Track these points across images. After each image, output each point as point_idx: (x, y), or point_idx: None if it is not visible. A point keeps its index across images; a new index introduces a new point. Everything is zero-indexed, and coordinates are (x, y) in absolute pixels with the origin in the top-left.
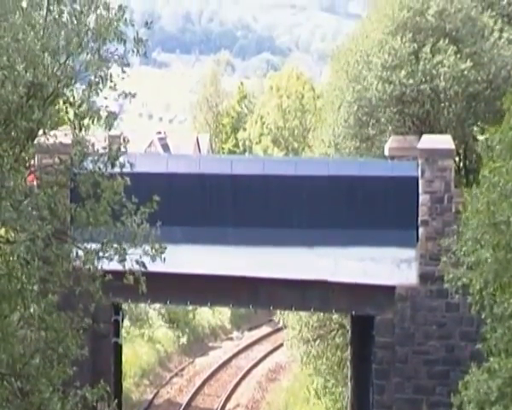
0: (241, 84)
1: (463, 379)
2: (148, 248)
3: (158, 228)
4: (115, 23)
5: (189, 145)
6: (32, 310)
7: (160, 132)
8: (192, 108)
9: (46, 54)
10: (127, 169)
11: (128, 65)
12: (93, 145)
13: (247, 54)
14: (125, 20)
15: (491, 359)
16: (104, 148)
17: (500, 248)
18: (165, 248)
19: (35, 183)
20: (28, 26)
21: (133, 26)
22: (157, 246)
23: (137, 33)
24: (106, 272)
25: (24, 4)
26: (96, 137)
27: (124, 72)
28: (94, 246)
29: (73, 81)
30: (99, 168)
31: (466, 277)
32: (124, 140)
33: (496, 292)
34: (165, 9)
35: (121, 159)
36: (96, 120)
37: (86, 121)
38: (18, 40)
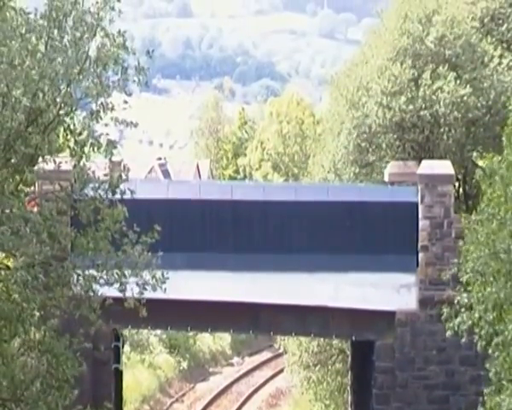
0: (242, 109)
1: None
2: (148, 277)
3: (159, 258)
4: (115, 50)
5: (189, 171)
6: (32, 335)
7: (160, 158)
8: (193, 134)
9: (45, 80)
10: (128, 196)
11: (130, 95)
12: (94, 172)
13: (247, 80)
14: (126, 48)
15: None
16: (105, 175)
17: (500, 276)
18: (167, 278)
19: (35, 209)
20: (27, 52)
21: (134, 54)
22: (158, 275)
23: (139, 63)
24: (106, 298)
25: (23, 31)
26: (97, 163)
27: (126, 102)
28: (94, 273)
29: (74, 108)
30: (100, 196)
31: (468, 318)
32: (124, 168)
33: (496, 320)
34: (166, 36)
35: (122, 186)
36: (96, 148)
37: (87, 149)
38: (15, 66)
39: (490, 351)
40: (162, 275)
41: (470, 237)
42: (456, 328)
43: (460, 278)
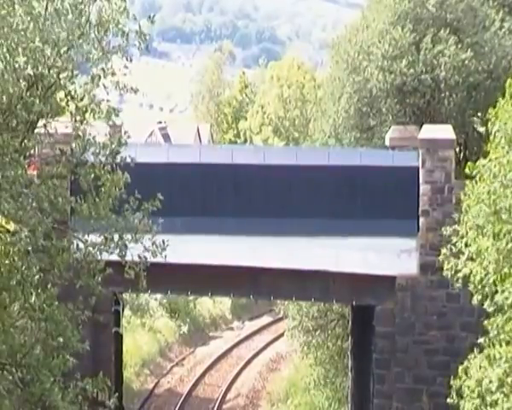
0: (243, 73)
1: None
2: (149, 244)
3: (160, 224)
4: (117, 15)
5: (189, 135)
6: (32, 301)
7: (160, 122)
8: (194, 98)
9: (47, 45)
10: (128, 161)
11: (131, 60)
12: (94, 138)
13: (247, 43)
14: (127, 12)
15: (491, 347)
16: (105, 142)
17: (501, 236)
18: (167, 245)
19: (35, 172)
20: (29, 16)
21: (135, 19)
22: (158, 242)
23: (140, 27)
24: (107, 264)
25: None
26: (96, 128)
27: (126, 67)
28: (94, 239)
29: (74, 72)
30: (100, 162)
31: (466, 267)
32: (125, 133)
33: (496, 281)
34: None
35: (122, 153)
36: (97, 114)
37: (87, 115)
38: (18, 31)
39: (484, 305)
40: (163, 242)
41: (471, 189)
42: (452, 272)
43: (459, 232)
